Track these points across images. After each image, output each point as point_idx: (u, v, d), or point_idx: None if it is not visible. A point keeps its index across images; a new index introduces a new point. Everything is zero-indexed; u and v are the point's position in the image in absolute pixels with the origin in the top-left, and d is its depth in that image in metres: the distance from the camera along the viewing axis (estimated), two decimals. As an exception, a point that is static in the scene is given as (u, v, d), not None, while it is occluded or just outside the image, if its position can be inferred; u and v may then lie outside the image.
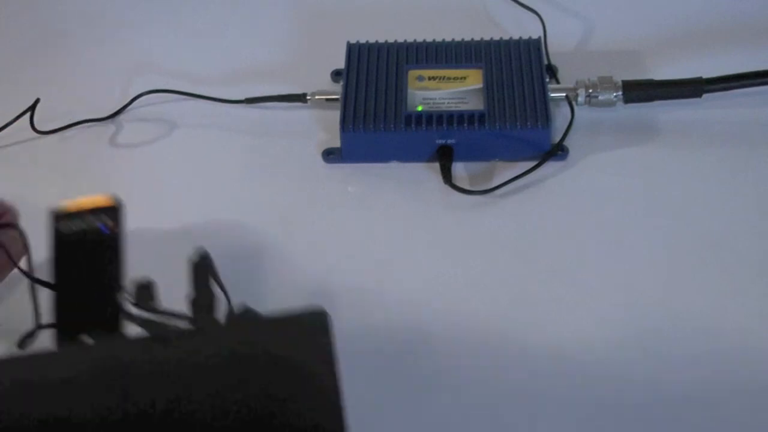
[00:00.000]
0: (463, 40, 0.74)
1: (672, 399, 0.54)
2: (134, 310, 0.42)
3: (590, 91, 0.70)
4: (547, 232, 0.64)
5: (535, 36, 0.73)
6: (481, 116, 0.67)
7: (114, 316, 0.42)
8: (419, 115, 0.67)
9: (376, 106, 0.68)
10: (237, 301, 0.44)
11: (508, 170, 0.68)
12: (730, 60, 0.71)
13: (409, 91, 0.69)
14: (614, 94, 0.70)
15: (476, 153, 0.68)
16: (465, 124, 0.67)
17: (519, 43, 0.73)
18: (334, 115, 0.69)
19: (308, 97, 0.73)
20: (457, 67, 0.71)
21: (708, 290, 0.59)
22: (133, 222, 0.61)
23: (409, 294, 0.60)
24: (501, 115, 0.67)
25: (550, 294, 0.60)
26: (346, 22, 0.82)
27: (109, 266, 0.43)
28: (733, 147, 0.69)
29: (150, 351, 0.39)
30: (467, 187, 0.66)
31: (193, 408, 0.36)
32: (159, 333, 0.40)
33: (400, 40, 0.74)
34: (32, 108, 0.73)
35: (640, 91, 0.70)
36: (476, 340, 0.57)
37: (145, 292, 0.42)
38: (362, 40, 0.74)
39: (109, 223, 0.43)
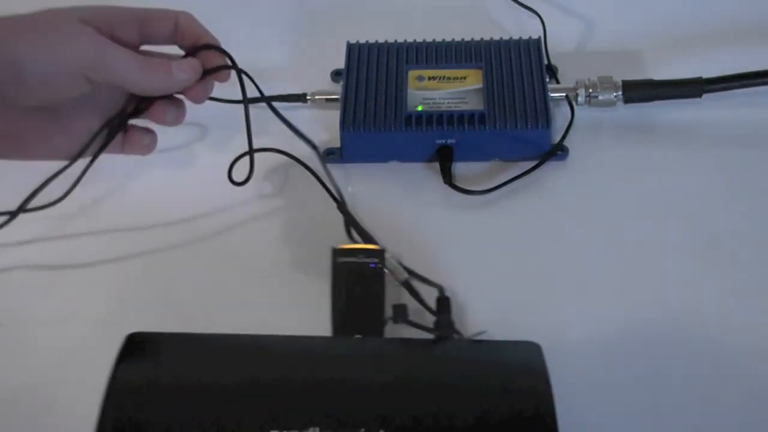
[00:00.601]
0: (463, 40, 0.74)
1: (671, 399, 0.54)
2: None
3: (590, 91, 0.70)
4: (548, 232, 0.64)
5: (535, 36, 0.73)
6: (481, 116, 0.67)
7: (379, 328, 0.55)
8: (419, 115, 0.67)
9: (376, 106, 0.68)
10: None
11: (508, 170, 0.68)
12: (730, 60, 0.71)
13: (409, 91, 0.69)
14: (614, 94, 0.70)
15: (476, 153, 0.68)
16: (465, 124, 0.67)
17: (519, 43, 0.73)
18: (334, 115, 0.69)
19: (308, 97, 0.73)
20: (457, 67, 0.71)
21: (708, 290, 0.59)
22: (135, 218, 0.61)
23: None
24: (501, 115, 0.67)
25: (550, 294, 0.60)
26: (346, 22, 0.82)
27: (374, 291, 0.56)
28: (733, 147, 0.69)
29: (409, 350, 0.52)
30: (467, 187, 0.66)
31: (444, 396, 0.47)
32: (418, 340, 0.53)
33: (400, 40, 0.74)
34: None
35: (640, 91, 0.70)
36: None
37: (401, 312, 0.55)
38: (362, 40, 0.74)
39: (376, 261, 0.57)
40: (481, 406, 0.46)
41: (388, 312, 0.56)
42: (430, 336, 0.54)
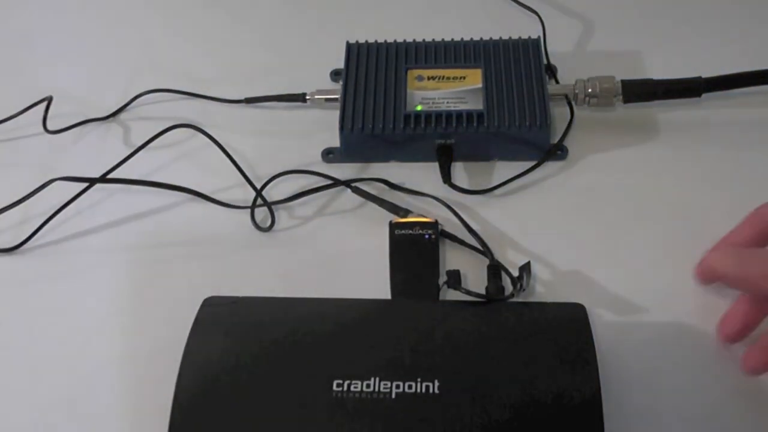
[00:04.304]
0: (462, 39, 0.73)
1: (670, 401, 0.54)
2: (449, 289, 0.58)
3: (589, 90, 0.70)
4: (547, 232, 0.64)
5: (534, 36, 0.73)
6: (480, 116, 0.67)
7: (434, 292, 0.58)
8: (418, 114, 0.67)
9: (375, 105, 0.68)
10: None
11: (507, 170, 0.68)
12: (729, 60, 0.71)
13: (409, 90, 0.69)
14: (613, 93, 0.70)
15: (475, 153, 0.68)
16: (464, 124, 0.67)
17: (518, 42, 0.72)
18: (334, 114, 0.69)
19: (308, 97, 0.73)
20: (456, 67, 0.71)
21: (707, 290, 0.59)
22: (136, 212, 0.60)
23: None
24: (500, 114, 0.67)
25: (549, 294, 0.60)
26: (345, 22, 0.82)
27: (429, 260, 0.60)
28: (733, 147, 0.68)
29: (462, 310, 0.55)
30: (466, 186, 0.66)
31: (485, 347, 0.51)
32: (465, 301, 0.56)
33: (400, 40, 0.74)
34: (47, 107, 0.73)
35: (639, 90, 0.70)
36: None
37: (455, 277, 0.58)
38: (362, 40, 0.74)
39: (430, 232, 0.61)
40: (526, 363, 0.49)
41: (443, 278, 0.59)
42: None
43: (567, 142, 0.69)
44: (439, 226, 0.63)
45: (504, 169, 0.68)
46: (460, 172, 0.68)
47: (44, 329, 0.60)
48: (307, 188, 0.67)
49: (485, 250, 0.62)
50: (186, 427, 0.48)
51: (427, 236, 0.61)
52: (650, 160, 0.68)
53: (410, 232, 0.62)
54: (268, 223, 0.65)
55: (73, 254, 0.65)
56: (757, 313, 0.53)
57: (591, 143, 0.69)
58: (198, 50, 0.81)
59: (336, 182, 0.67)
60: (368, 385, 0.48)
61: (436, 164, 0.67)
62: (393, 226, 0.62)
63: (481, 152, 0.68)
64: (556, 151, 0.68)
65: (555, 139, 0.69)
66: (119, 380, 0.57)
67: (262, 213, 0.66)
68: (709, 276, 0.47)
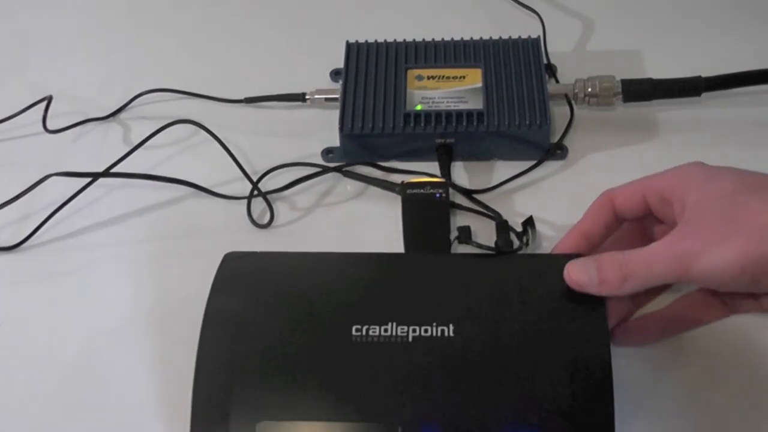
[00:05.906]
0: (462, 39, 0.74)
1: (671, 401, 0.54)
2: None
3: (589, 90, 0.70)
4: (546, 232, 0.64)
5: (534, 35, 0.73)
6: (480, 115, 0.67)
7: (446, 246, 0.61)
8: (418, 114, 0.67)
9: (375, 105, 0.68)
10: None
11: (507, 169, 0.68)
12: (729, 59, 0.71)
13: (408, 90, 0.69)
14: (613, 93, 0.70)
15: (475, 152, 0.68)
16: (464, 123, 0.67)
17: (518, 42, 0.72)
18: (334, 114, 0.69)
19: (307, 97, 0.73)
20: (456, 67, 0.71)
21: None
22: (135, 208, 0.60)
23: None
24: (500, 114, 0.67)
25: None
26: (345, 22, 0.82)
27: (441, 217, 0.63)
28: (733, 147, 0.68)
29: (473, 261, 0.56)
30: (466, 186, 0.66)
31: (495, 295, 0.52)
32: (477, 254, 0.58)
33: (400, 39, 0.74)
34: (47, 106, 0.73)
35: (639, 90, 0.70)
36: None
37: (466, 232, 0.60)
38: (362, 40, 0.74)
39: (441, 192, 0.63)
40: (537, 307, 0.50)
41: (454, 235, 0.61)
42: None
43: (567, 142, 0.69)
44: (449, 185, 0.64)
45: (504, 169, 0.68)
46: (460, 171, 0.68)
47: (45, 328, 0.60)
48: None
49: (490, 212, 0.63)
50: (212, 364, 0.49)
51: (438, 195, 0.63)
52: (650, 160, 0.68)
53: (421, 191, 0.64)
54: (267, 217, 0.65)
55: (73, 251, 0.65)
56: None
57: (591, 143, 0.69)
58: (198, 50, 0.81)
59: (326, 169, 0.67)
60: (386, 330, 0.49)
61: (436, 164, 0.67)
62: (405, 186, 0.64)
63: (481, 151, 0.68)
64: (556, 151, 0.68)
65: (555, 139, 0.69)
66: (119, 377, 0.57)
67: (260, 206, 0.66)
68: (578, 288, 0.50)
